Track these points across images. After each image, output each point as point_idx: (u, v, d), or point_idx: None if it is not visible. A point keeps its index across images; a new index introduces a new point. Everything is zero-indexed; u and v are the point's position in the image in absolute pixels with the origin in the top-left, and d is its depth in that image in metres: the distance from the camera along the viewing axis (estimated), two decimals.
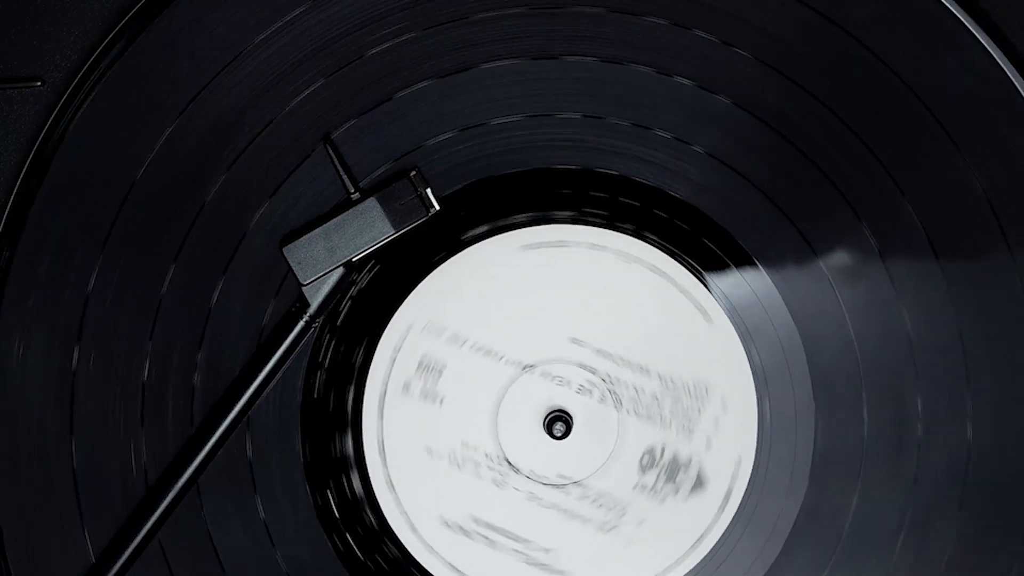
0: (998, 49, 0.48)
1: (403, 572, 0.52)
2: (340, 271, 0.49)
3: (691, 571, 0.52)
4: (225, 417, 0.50)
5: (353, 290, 0.51)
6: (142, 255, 0.50)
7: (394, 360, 0.51)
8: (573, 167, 0.51)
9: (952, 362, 0.50)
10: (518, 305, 0.51)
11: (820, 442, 0.51)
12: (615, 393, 0.51)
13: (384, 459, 0.52)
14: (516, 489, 0.52)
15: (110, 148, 0.49)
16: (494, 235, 0.51)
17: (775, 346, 0.51)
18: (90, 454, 0.50)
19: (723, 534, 0.52)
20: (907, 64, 0.48)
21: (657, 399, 0.51)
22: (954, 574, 0.50)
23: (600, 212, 0.51)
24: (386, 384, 0.51)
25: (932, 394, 0.50)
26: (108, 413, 0.50)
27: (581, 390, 0.51)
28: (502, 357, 0.51)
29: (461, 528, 0.52)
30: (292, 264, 0.49)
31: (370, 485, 0.52)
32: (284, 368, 0.50)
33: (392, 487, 0.52)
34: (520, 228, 0.51)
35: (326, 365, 0.51)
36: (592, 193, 0.51)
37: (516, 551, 0.52)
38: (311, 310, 0.49)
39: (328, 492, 0.52)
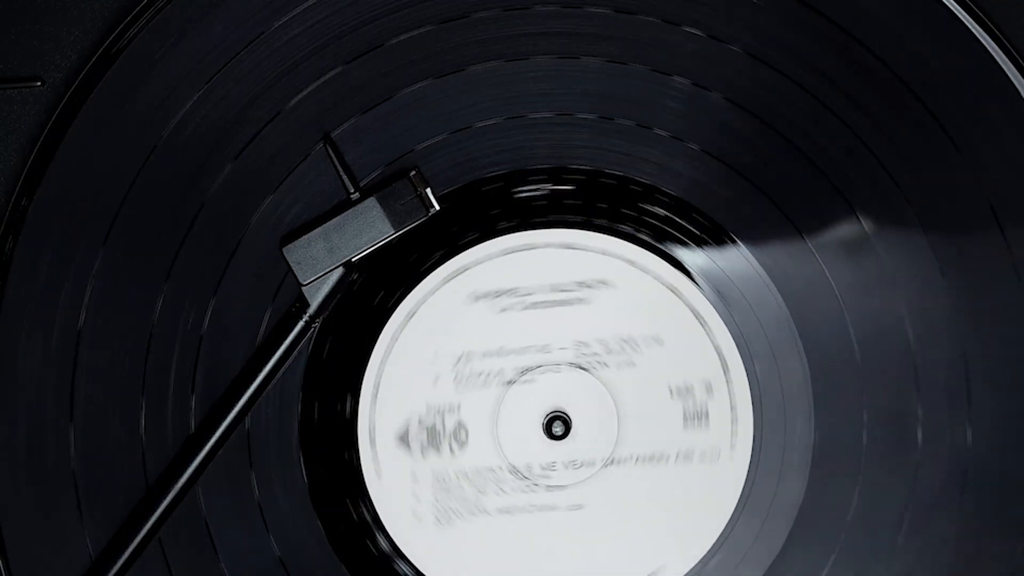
0: (998, 49, 0.49)
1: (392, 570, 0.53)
2: (340, 271, 0.49)
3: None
4: (225, 417, 0.50)
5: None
6: (142, 255, 0.50)
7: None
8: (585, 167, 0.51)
9: (952, 362, 0.50)
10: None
11: (820, 440, 0.51)
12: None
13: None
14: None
15: (110, 148, 0.49)
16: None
17: (774, 346, 0.51)
18: (90, 454, 0.50)
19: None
20: (907, 64, 0.48)
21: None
22: (954, 572, 0.50)
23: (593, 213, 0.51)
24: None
25: (932, 393, 0.50)
26: (108, 413, 0.50)
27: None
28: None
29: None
30: (292, 264, 0.49)
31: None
32: (284, 368, 0.50)
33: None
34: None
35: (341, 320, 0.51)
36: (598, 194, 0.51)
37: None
38: (311, 310, 0.49)
39: (328, 490, 0.52)
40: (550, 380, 0.52)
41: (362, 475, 0.52)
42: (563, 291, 0.51)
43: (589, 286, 0.51)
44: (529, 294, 0.51)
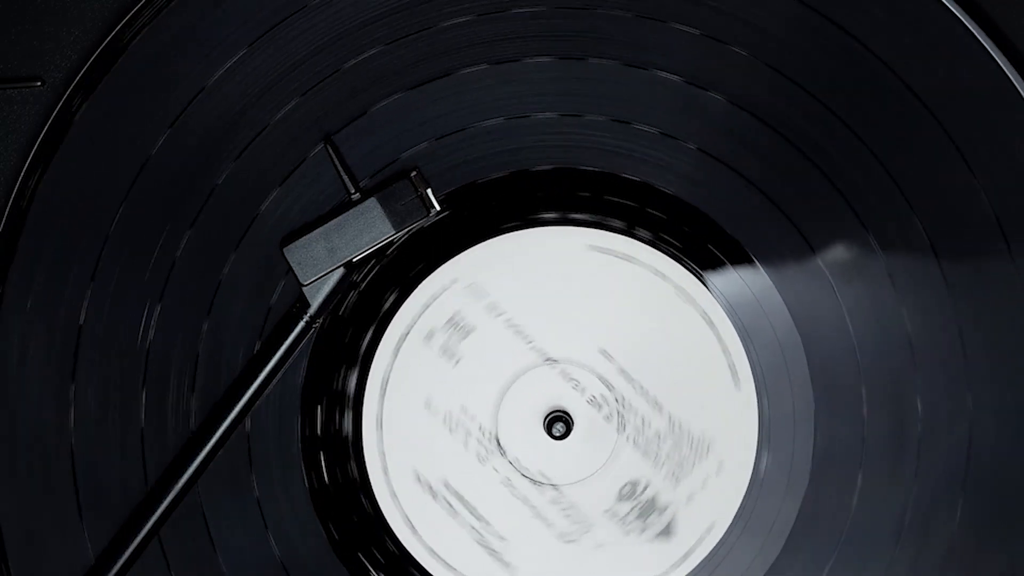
0: (998, 49, 0.49)
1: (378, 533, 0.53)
2: (340, 271, 0.49)
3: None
4: (225, 417, 0.50)
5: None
6: (142, 255, 0.50)
7: (427, 307, 0.51)
8: (597, 169, 0.51)
9: (952, 362, 0.50)
10: (560, 299, 0.51)
11: (820, 442, 0.51)
12: (622, 416, 0.52)
13: (383, 397, 0.51)
14: (495, 470, 0.52)
15: (110, 148, 0.49)
16: (561, 224, 0.51)
17: (774, 346, 0.51)
18: (90, 454, 0.50)
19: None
20: (907, 64, 0.48)
21: (659, 437, 0.52)
22: (953, 574, 0.50)
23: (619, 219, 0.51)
24: (410, 328, 0.51)
25: (932, 394, 0.50)
26: (108, 413, 0.50)
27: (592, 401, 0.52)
28: (531, 342, 0.51)
29: (431, 487, 0.52)
30: (292, 264, 0.49)
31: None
32: (284, 368, 0.50)
33: (380, 426, 0.52)
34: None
35: (350, 306, 0.51)
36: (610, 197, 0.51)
37: (473, 528, 0.52)
38: (311, 310, 0.49)
39: (328, 490, 0.52)
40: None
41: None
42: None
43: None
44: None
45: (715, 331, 0.51)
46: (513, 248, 0.51)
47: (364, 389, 0.52)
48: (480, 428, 0.52)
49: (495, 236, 0.51)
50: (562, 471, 0.52)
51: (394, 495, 0.52)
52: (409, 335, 0.51)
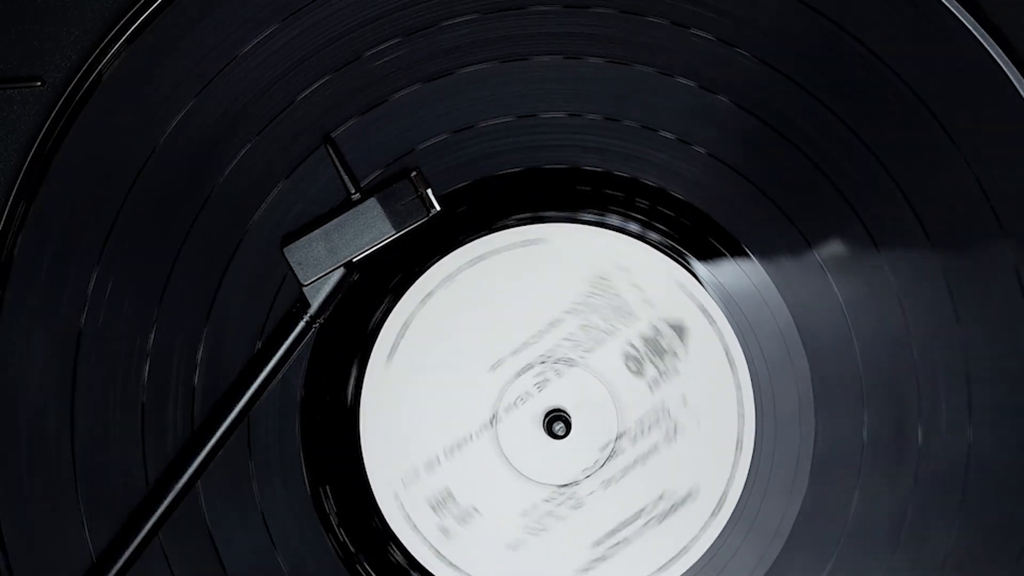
0: (998, 49, 0.49)
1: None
2: (341, 271, 0.49)
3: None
4: (225, 417, 0.50)
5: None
6: (142, 255, 0.50)
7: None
8: (563, 166, 0.51)
9: (952, 362, 0.50)
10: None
11: (820, 442, 0.51)
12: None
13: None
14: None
15: (110, 148, 0.49)
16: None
17: (775, 345, 0.51)
18: (90, 454, 0.50)
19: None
20: (907, 64, 0.48)
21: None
22: (953, 575, 0.50)
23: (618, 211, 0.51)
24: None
25: (932, 394, 0.50)
26: (108, 413, 0.50)
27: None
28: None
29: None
30: (292, 264, 0.49)
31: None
32: (284, 368, 0.50)
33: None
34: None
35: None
36: (608, 191, 0.51)
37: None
38: (311, 310, 0.49)
39: (328, 490, 0.52)
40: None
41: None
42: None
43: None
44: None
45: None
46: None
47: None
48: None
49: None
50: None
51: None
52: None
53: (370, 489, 0.52)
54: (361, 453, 0.52)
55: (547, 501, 0.52)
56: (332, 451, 0.52)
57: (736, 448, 0.51)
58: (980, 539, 0.50)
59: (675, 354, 0.51)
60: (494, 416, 0.52)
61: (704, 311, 0.51)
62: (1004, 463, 0.50)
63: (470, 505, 0.52)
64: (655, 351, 0.51)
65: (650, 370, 0.51)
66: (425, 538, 0.52)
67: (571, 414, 0.52)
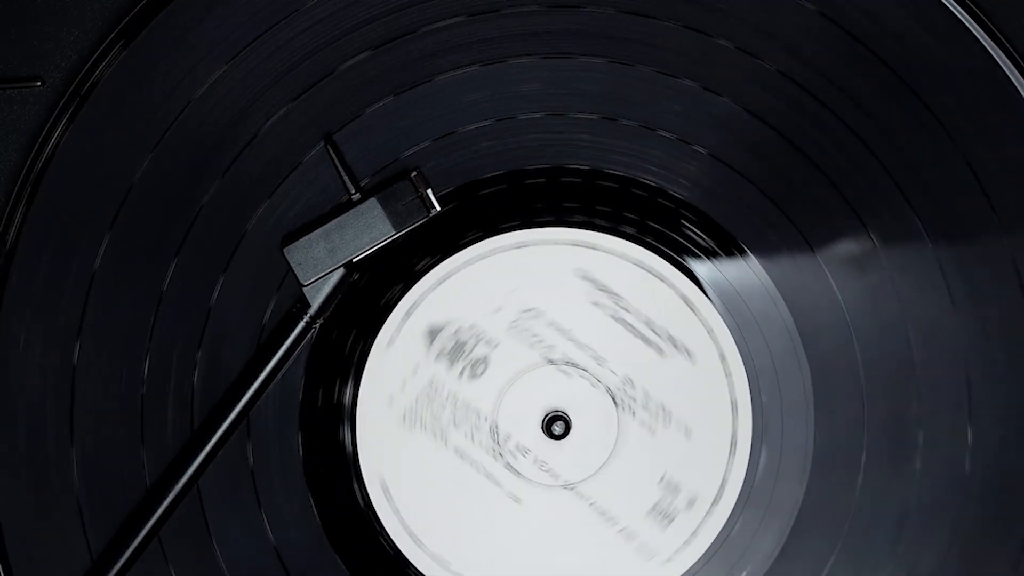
0: (998, 49, 0.49)
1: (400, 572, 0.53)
2: (341, 272, 0.49)
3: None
4: (225, 417, 0.50)
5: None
6: (142, 255, 0.50)
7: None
8: (584, 167, 0.51)
9: (952, 361, 0.50)
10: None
11: (819, 441, 0.51)
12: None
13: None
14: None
15: (110, 148, 0.49)
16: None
17: (773, 344, 0.51)
18: (90, 454, 0.50)
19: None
20: (907, 64, 0.49)
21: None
22: (954, 572, 0.50)
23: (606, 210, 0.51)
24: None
25: (933, 396, 0.50)
26: (108, 413, 0.50)
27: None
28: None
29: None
30: (293, 265, 0.49)
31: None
32: (284, 369, 0.50)
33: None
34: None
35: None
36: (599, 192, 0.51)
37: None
38: (312, 311, 0.49)
39: (328, 490, 0.52)
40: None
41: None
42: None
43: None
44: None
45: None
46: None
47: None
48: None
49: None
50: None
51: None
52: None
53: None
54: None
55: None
56: (332, 451, 0.52)
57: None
58: (980, 538, 0.50)
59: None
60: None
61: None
62: (1004, 462, 0.50)
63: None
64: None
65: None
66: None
67: (570, 415, 0.52)
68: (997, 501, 0.50)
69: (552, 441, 0.51)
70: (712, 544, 0.52)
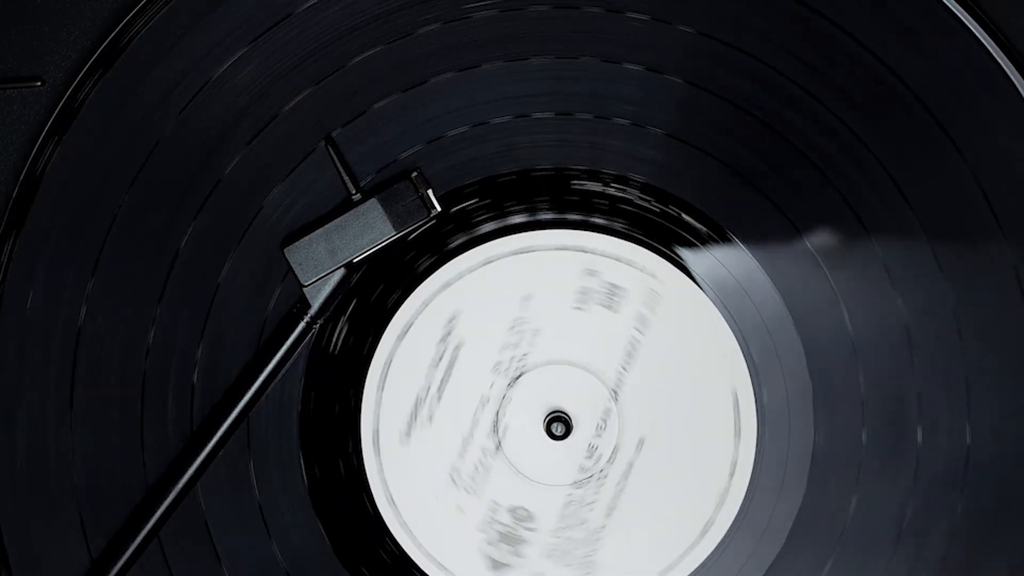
0: (998, 49, 0.49)
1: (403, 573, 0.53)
2: (341, 272, 0.49)
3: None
4: (225, 417, 0.50)
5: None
6: (142, 255, 0.50)
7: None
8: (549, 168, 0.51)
9: (951, 362, 0.50)
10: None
11: (818, 442, 0.51)
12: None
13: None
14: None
15: (110, 148, 0.49)
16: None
17: (773, 344, 0.51)
18: (90, 455, 0.50)
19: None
20: (907, 63, 0.49)
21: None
22: (953, 573, 0.50)
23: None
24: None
25: (931, 394, 0.50)
26: (108, 413, 0.50)
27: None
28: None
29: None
30: (293, 265, 0.49)
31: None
32: (285, 369, 0.50)
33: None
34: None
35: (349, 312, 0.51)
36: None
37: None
38: (312, 311, 0.49)
39: (328, 490, 0.52)
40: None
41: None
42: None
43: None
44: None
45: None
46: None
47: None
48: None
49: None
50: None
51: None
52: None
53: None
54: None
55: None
56: (332, 451, 0.52)
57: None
58: (980, 539, 0.50)
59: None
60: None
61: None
62: (1004, 463, 0.50)
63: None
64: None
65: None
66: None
67: (570, 415, 0.52)
68: (996, 502, 0.50)
69: (552, 442, 0.52)
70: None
